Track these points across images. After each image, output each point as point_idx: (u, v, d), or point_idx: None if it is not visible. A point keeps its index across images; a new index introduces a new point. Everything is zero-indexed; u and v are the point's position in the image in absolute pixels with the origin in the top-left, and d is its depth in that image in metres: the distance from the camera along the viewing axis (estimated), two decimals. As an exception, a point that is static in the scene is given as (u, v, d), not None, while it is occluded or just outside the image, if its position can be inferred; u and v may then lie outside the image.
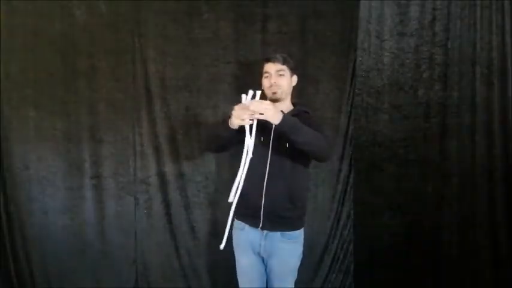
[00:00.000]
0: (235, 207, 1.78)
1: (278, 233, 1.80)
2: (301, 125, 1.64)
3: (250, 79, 2.22)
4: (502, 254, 2.38)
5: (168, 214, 2.45)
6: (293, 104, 1.93)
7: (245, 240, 1.86)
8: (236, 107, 1.66)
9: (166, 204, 2.45)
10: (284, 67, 1.84)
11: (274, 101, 1.83)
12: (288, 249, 1.83)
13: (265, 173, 1.78)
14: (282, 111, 1.68)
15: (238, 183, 1.76)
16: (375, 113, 2.40)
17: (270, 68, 1.84)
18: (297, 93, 2.01)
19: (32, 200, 2.42)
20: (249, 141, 1.71)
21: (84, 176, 2.42)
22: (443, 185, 2.41)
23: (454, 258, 2.43)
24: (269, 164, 1.78)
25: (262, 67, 1.89)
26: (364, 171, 2.44)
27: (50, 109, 2.39)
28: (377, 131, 2.41)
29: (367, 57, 2.38)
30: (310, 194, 2.33)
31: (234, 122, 1.66)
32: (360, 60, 2.38)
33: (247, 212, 1.82)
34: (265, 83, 1.86)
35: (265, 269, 1.88)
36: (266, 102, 1.63)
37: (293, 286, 1.88)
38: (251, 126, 1.69)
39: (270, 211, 1.78)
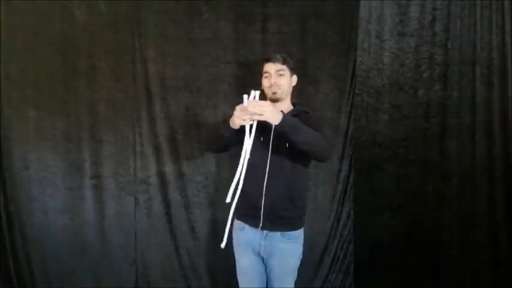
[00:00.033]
0: (235, 207, 1.78)
1: (278, 233, 1.80)
2: (301, 125, 1.64)
3: (250, 79, 2.23)
4: (502, 254, 2.38)
5: (168, 214, 2.45)
6: (293, 104, 1.92)
7: (245, 240, 1.86)
8: (237, 107, 1.65)
9: (166, 204, 2.45)
10: (284, 67, 1.84)
11: (274, 100, 1.83)
12: (288, 249, 1.83)
13: (265, 173, 1.78)
14: (282, 111, 1.68)
15: (236, 184, 1.75)
16: (375, 113, 2.40)
17: (270, 68, 1.84)
18: (297, 93, 2.01)
19: (32, 200, 2.42)
20: (248, 142, 1.71)
21: (84, 176, 2.42)
22: (443, 185, 2.42)
23: (454, 258, 2.43)
24: (269, 164, 1.78)
25: (262, 67, 1.88)
26: (364, 171, 2.44)
27: (50, 109, 2.39)
28: (377, 131, 2.41)
29: (367, 57, 2.38)
30: (310, 194, 2.33)
31: (235, 122, 1.66)
32: (360, 60, 2.38)
33: (247, 212, 1.82)
34: (265, 83, 1.86)
35: (265, 269, 1.87)
36: (264, 102, 1.62)
37: (293, 286, 1.88)
38: (251, 126, 1.69)
39: (270, 211, 1.78)
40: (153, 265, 2.48)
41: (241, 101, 1.65)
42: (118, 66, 2.38)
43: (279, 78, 1.83)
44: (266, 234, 1.81)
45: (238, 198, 1.77)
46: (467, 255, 2.42)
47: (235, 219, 1.88)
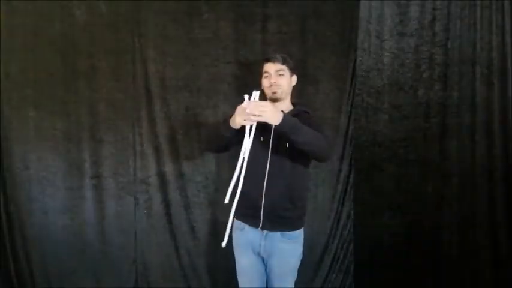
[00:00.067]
0: (236, 207, 1.78)
1: (278, 233, 1.80)
2: (301, 125, 1.64)
3: (250, 79, 2.23)
4: (502, 254, 2.38)
5: (168, 214, 2.45)
6: (293, 104, 1.93)
7: (245, 240, 1.86)
8: (239, 108, 1.65)
9: (166, 204, 2.45)
10: (284, 67, 1.84)
11: (274, 100, 1.83)
12: (288, 249, 1.83)
13: (265, 173, 1.78)
14: (282, 111, 1.69)
15: (234, 185, 1.75)
16: (375, 113, 2.40)
17: (270, 67, 1.84)
18: (297, 93, 2.01)
19: (32, 200, 2.42)
20: (247, 143, 1.71)
21: (84, 176, 2.42)
22: (443, 185, 2.42)
23: (454, 258, 2.43)
24: (269, 164, 1.78)
25: (262, 67, 1.89)
26: (364, 171, 2.44)
27: (50, 109, 2.39)
28: (377, 131, 2.41)
29: (367, 57, 2.38)
30: (310, 194, 2.33)
31: (236, 122, 1.66)
32: (360, 60, 2.38)
33: (247, 212, 1.82)
34: (265, 82, 1.86)
35: (265, 269, 1.87)
36: (265, 103, 1.62)
37: (293, 286, 1.88)
38: (251, 126, 1.69)
39: (270, 211, 1.78)
40: (153, 265, 2.48)
41: (242, 101, 1.65)
42: (118, 66, 2.38)
43: (279, 78, 1.83)
44: (266, 234, 1.81)
45: (239, 198, 1.77)
46: (467, 255, 2.42)
47: (235, 219, 1.88)
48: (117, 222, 2.45)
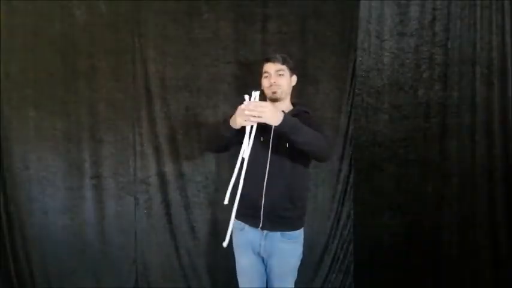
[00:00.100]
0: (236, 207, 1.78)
1: (278, 233, 1.80)
2: (301, 125, 1.64)
3: (250, 79, 2.23)
4: (502, 254, 2.38)
5: (168, 214, 2.45)
6: (293, 104, 1.93)
7: (245, 240, 1.86)
8: (239, 108, 1.65)
9: (166, 204, 2.45)
10: (284, 67, 1.84)
11: (274, 100, 1.83)
12: (288, 249, 1.83)
13: (265, 173, 1.78)
14: (282, 111, 1.68)
15: (234, 185, 1.75)
16: (375, 113, 2.40)
17: (270, 67, 1.84)
18: (297, 93, 2.01)
19: (32, 200, 2.42)
20: (246, 143, 1.71)
21: (84, 176, 2.42)
22: (443, 185, 2.42)
23: (454, 258, 2.43)
24: (269, 164, 1.78)
25: (262, 67, 1.89)
26: (364, 171, 2.44)
27: (50, 109, 2.39)
28: (377, 131, 2.41)
29: (367, 57, 2.38)
30: (310, 194, 2.33)
31: (237, 122, 1.66)
32: (360, 60, 2.38)
33: (247, 212, 1.81)
34: (265, 82, 1.86)
35: (265, 269, 1.87)
36: (265, 103, 1.62)
37: (293, 286, 1.88)
38: (252, 126, 1.69)
39: (270, 211, 1.78)
40: (153, 265, 2.48)
41: (242, 101, 1.64)
42: (118, 66, 2.38)
43: (279, 78, 1.83)
44: (266, 234, 1.81)
45: (239, 198, 1.76)
46: (467, 255, 2.42)
47: (235, 219, 1.88)
48: (117, 222, 2.46)
